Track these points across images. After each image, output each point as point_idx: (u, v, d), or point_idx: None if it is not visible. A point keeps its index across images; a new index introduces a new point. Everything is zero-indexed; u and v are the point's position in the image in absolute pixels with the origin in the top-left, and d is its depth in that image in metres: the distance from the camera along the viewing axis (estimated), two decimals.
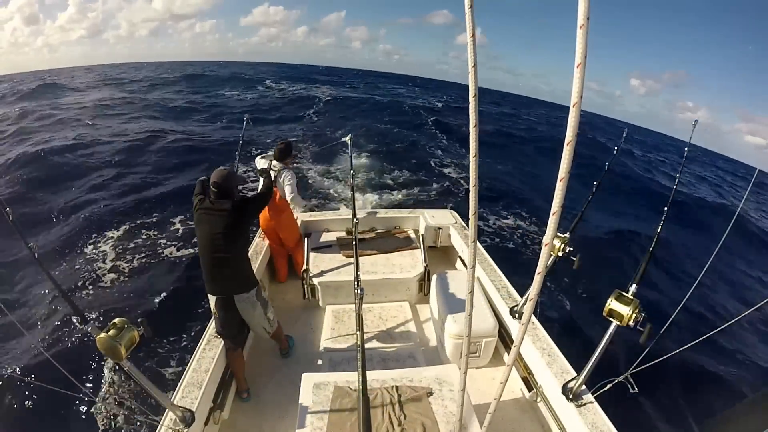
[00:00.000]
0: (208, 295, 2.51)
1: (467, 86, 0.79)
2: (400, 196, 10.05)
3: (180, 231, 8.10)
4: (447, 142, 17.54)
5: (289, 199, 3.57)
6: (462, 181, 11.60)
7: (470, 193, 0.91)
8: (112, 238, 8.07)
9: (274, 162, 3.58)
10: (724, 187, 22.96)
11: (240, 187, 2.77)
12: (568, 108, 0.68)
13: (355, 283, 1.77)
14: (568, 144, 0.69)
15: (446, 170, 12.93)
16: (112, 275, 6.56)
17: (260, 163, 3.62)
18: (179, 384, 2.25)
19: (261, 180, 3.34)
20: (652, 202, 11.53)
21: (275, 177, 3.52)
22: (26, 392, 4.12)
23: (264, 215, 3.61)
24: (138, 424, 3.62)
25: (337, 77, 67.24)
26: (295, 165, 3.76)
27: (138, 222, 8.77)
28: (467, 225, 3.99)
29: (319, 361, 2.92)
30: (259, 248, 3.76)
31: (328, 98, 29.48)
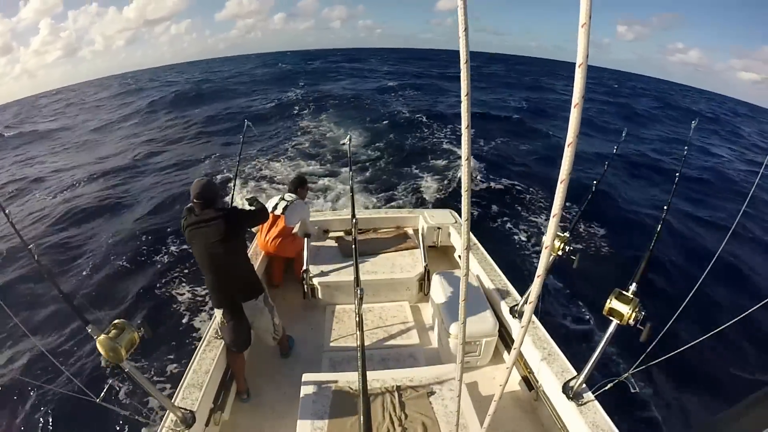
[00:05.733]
0: (215, 309, 2.48)
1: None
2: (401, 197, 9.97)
3: (180, 234, 8.09)
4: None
5: (296, 229, 3.65)
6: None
7: (462, 199, 0.82)
8: (113, 239, 8.06)
9: (288, 194, 3.69)
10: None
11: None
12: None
13: (355, 283, 1.76)
14: (569, 146, 0.68)
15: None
16: (112, 277, 6.56)
17: (272, 201, 3.67)
18: (180, 385, 2.25)
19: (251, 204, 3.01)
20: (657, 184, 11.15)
21: (287, 206, 3.60)
22: (27, 393, 4.12)
23: (265, 240, 3.61)
24: (138, 425, 3.62)
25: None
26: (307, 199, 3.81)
27: (137, 224, 8.76)
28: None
29: (320, 362, 2.92)
30: (257, 251, 3.75)
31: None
